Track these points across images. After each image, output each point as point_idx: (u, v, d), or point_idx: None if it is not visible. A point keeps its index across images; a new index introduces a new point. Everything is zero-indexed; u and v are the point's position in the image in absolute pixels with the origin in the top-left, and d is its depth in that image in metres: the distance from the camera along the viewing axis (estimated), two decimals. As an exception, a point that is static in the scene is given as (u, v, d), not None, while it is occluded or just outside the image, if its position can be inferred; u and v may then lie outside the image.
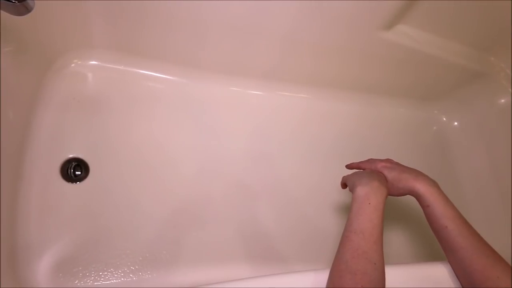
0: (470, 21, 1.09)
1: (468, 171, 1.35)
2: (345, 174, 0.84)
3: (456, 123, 1.42)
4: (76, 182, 0.97)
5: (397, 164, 0.78)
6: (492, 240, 0.68)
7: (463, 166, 1.36)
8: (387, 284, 0.58)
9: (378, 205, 0.64)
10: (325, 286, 0.59)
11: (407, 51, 1.12)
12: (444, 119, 1.45)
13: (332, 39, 1.07)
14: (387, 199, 0.69)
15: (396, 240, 1.19)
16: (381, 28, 1.03)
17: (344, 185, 0.84)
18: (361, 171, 0.80)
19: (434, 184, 0.70)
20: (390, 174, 0.74)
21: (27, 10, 0.63)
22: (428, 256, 1.18)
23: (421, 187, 0.69)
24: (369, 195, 0.65)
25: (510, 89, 1.20)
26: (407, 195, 0.74)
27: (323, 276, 0.60)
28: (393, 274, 0.62)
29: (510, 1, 1.02)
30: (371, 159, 0.83)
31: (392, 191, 0.74)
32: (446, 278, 0.66)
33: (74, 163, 0.98)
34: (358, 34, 1.05)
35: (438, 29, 1.11)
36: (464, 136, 1.38)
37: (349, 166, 0.89)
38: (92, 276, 0.90)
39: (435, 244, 0.70)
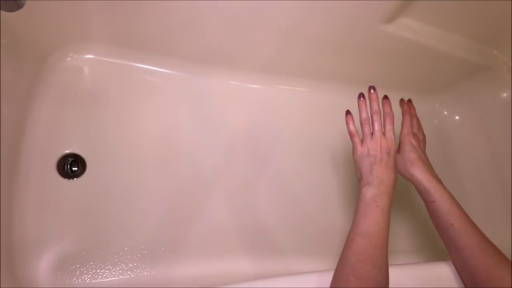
0: (473, 14, 1.07)
1: (469, 165, 1.34)
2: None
3: (457, 117, 1.41)
4: (73, 178, 0.96)
5: (421, 149, 0.76)
6: (492, 234, 0.67)
7: (464, 160, 1.36)
8: (390, 285, 0.57)
9: (385, 208, 0.63)
10: (328, 288, 0.58)
11: (409, 44, 1.10)
12: (445, 112, 1.43)
13: (333, 33, 1.05)
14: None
15: (398, 235, 1.18)
16: (382, 21, 1.01)
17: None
18: (371, 162, 0.70)
19: (439, 181, 0.70)
20: (409, 154, 0.73)
21: (18, 6, 0.61)
22: (430, 251, 1.18)
23: (427, 181, 0.69)
24: (377, 197, 0.64)
25: (512, 83, 1.19)
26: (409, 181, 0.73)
27: (326, 278, 0.59)
28: (396, 275, 0.61)
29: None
30: (413, 116, 0.80)
31: (400, 170, 0.73)
32: (450, 278, 0.66)
33: (70, 159, 0.97)
34: (359, 27, 1.03)
35: (440, 22, 1.09)
36: (465, 130, 1.37)
37: (372, 94, 0.77)
38: (90, 274, 0.89)
39: (437, 239, 0.70)
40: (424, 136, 0.82)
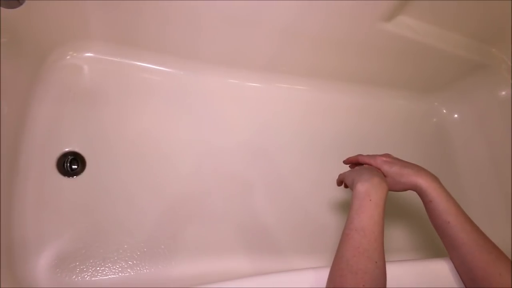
0: (472, 12, 1.07)
1: (468, 163, 1.34)
2: (343, 169, 0.83)
3: (456, 115, 1.41)
4: (72, 176, 0.96)
5: (397, 159, 0.77)
6: (492, 232, 0.67)
7: (463, 158, 1.36)
8: (388, 281, 0.57)
9: (379, 202, 0.63)
10: (325, 285, 0.58)
11: (407, 43, 1.11)
12: (444, 111, 1.44)
13: (332, 31, 1.05)
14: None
15: (395, 234, 1.19)
16: (381, 20, 1.02)
17: (340, 182, 0.82)
18: (360, 168, 0.78)
19: (436, 179, 0.70)
20: (391, 169, 0.73)
21: (19, 3, 0.61)
22: (428, 249, 1.18)
23: (423, 182, 0.68)
24: (370, 191, 0.64)
25: (511, 81, 1.19)
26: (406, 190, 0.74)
27: (323, 274, 0.59)
28: (394, 271, 0.62)
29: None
30: (369, 154, 0.82)
31: (393, 186, 0.73)
32: (448, 274, 0.66)
33: (70, 157, 0.97)
34: (358, 25, 1.03)
35: (439, 20, 1.09)
36: (464, 128, 1.37)
37: (347, 161, 0.88)
38: (90, 271, 0.89)
39: (435, 238, 0.70)
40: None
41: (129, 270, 0.92)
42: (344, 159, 0.89)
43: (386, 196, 0.65)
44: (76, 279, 0.88)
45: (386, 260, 0.58)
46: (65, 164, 0.96)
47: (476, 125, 1.33)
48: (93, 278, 0.89)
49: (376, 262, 0.56)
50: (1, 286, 0.70)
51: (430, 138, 1.41)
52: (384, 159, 0.76)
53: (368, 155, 0.81)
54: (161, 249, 0.97)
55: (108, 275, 0.90)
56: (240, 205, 1.09)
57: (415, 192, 0.72)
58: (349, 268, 0.55)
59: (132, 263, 0.93)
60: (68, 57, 1.03)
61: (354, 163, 0.85)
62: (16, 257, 0.83)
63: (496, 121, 1.25)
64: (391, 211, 1.19)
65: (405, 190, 0.73)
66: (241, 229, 1.06)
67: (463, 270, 0.64)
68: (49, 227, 0.90)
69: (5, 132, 0.82)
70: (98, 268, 0.90)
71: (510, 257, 0.61)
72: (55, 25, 0.96)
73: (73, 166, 0.97)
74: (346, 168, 0.86)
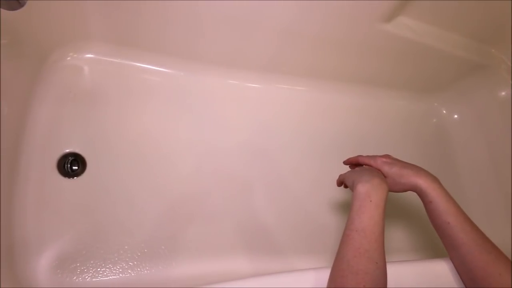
0: (471, 13, 1.08)
1: (468, 164, 1.34)
2: (342, 170, 0.84)
3: (456, 116, 1.41)
4: (73, 177, 0.97)
5: (397, 159, 0.77)
6: (491, 232, 0.68)
7: (463, 158, 1.36)
8: (388, 281, 0.57)
9: (379, 203, 0.63)
10: (326, 286, 0.58)
11: (407, 43, 1.11)
12: (444, 111, 1.44)
13: (332, 32, 1.05)
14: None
15: (396, 235, 1.19)
16: (381, 20, 1.02)
17: (340, 182, 0.83)
18: (361, 168, 0.79)
19: (435, 179, 0.70)
20: (391, 170, 0.73)
21: (20, 5, 0.61)
22: (428, 250, 1.18)
23: (423, 182, 0.69)
24: (370, 192, 0.64)
25: (510, 82, 1.20)
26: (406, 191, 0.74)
27: (324, 275, 0.59)
28: (394, 272, 0.62)
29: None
30: (369, 155, 0.82)
31: (393, 187, 0.73)
32: (448, 275, 0.66)
33: (71, 158, 0.98)
34: (358, 26, 1.03)
35: (438, 21, 1.10)
36: (464, 128, 1.38)
37: (347, 162, 0.88)
38: (91, 272, 0.89)
39: (435, 238, 0.70)
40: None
41: (129, 271, 0.92)
42: (344, 159, 0.89)
43: (386, 197, 0.65)
44: (77, 280, 0.88)
45: (386, 260, 0.59)
46: (66, 165, 0.97)
47: (476, 125, 1.33)
48: (93, 279, 0.89)
49: (376, 263, 0.56)
50: (2, 287, 0.70)
51: (430, 138, 1.41)
52: (384, 159, 0.76)
53: (368, 156, 0.81)
54: (161, 249, 0.97)
55: (108, 276, 0.90)
56: (240, 205, 1.09)
57: (415, 193, 0.72)
58: (350, 269, 0.56)
59: (132, 263, 0.93)
60: (68, 58, 1.03)
61: (354, 163, 0.85)
62: (17, 258, 0.83)
63: (496, 121, 1.25)
64: (391, 211, 1.19)
65: (405, 190, 0.73)
66: (241, 229, 1.06)
67: (463, 270, 0.65)
68: (49, 228, 0.90)
69: (6, 132, 0.82)
70: (98, 269, 0.90)
71: (509, 257, 0.61)
72: (56, 26, 0.96)
73: (74, 167, 0.97)
74: (346, 168, 0.86)
